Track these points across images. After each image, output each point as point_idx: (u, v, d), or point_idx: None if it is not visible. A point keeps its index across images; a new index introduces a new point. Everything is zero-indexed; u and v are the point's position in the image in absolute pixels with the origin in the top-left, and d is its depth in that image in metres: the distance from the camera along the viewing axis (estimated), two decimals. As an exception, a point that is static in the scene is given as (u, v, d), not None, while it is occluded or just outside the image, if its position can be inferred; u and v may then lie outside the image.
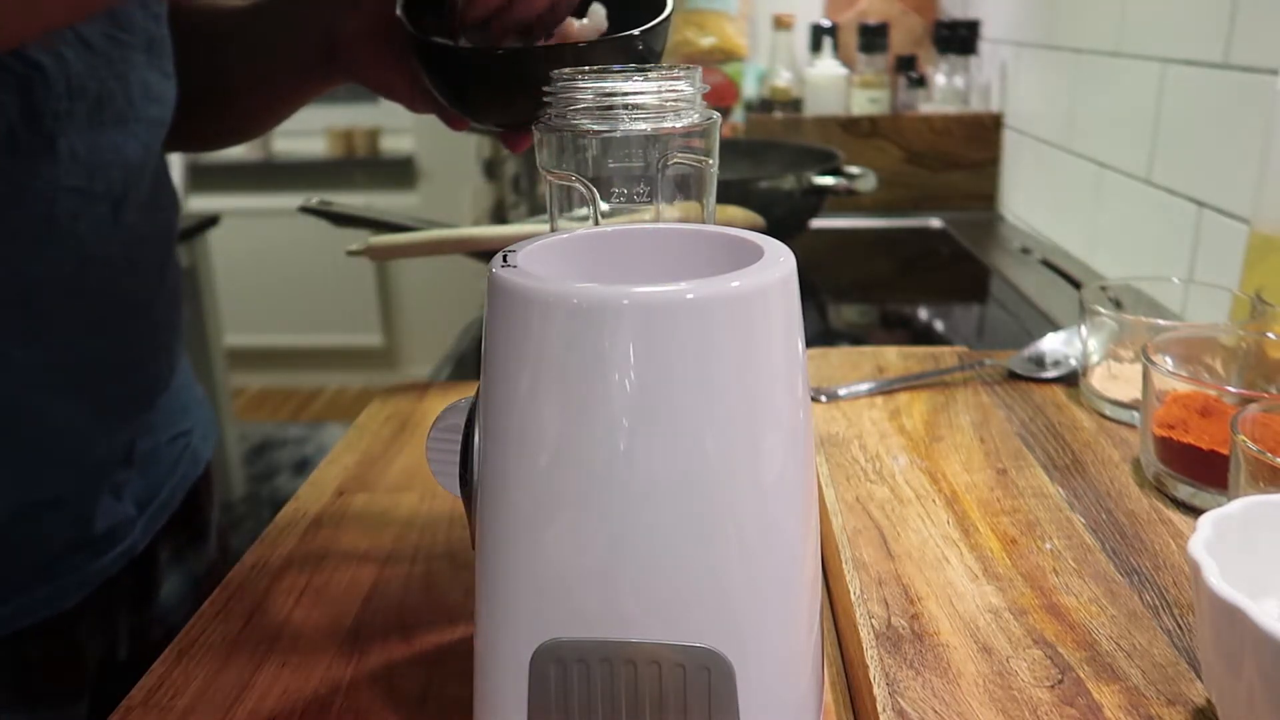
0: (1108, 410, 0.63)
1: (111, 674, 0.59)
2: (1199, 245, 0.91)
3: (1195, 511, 0.51)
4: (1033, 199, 1.38)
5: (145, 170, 0.56)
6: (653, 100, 0.38)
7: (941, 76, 1.57)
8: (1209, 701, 0.37)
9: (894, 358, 0.74)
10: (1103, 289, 0.71)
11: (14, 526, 0.53)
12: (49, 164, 0.49)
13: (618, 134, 0.38)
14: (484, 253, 0.74)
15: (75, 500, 0.55)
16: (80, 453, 0.55)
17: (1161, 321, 0.62)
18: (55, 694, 0.57)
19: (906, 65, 1.61)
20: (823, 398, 0.66)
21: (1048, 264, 1.19)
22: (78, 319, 0.53)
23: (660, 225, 0.39)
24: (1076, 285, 1.08)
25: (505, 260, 0.33)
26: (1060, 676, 0.39)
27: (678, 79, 0.39)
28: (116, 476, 0.58)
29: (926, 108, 1.58)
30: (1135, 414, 0.61)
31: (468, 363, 0.96)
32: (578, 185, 0.40)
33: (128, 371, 0.58)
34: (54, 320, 0.52)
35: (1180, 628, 0.42)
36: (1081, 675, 0.39)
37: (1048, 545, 0.49)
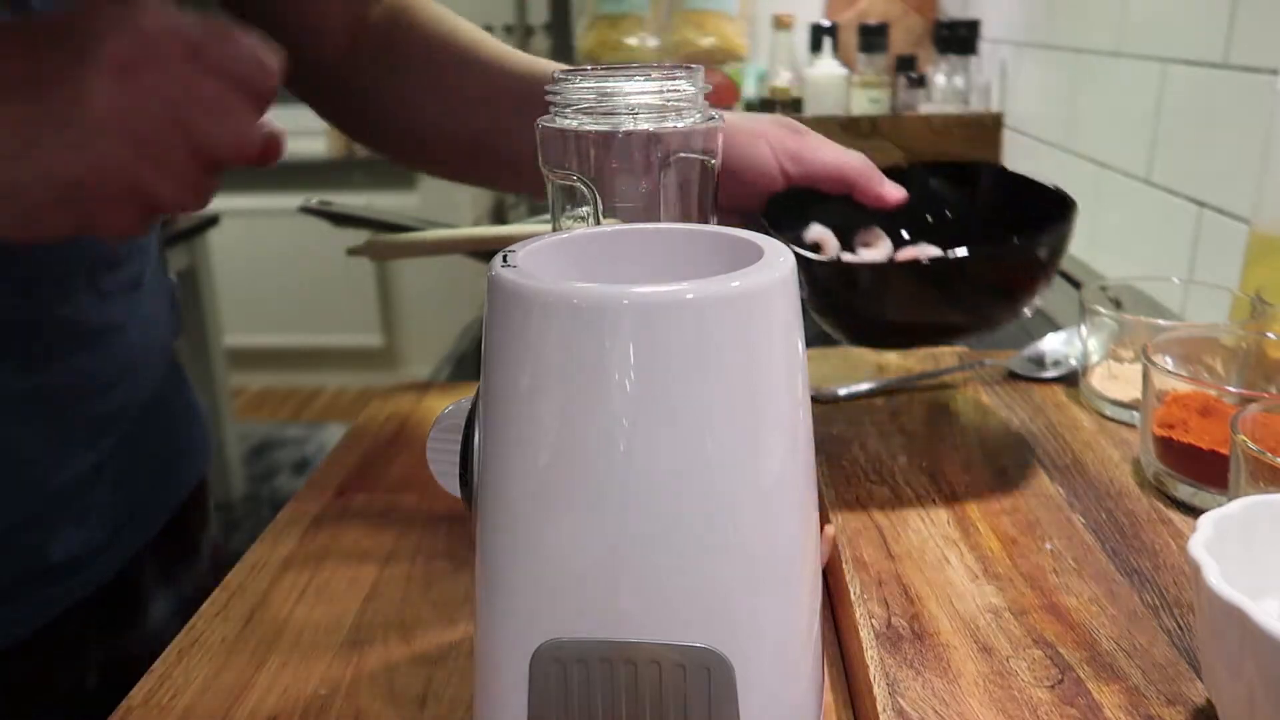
0: (1108, 410, 0.63)
1: (85, 703, 0.57)
2: (1199, 245, 0.91)
3: (1195, 511, 0.51)
4: (1033, 199, 1.38)
5: None
6: (655, 100, 0.38)
7: (941, 76, 1.57)
8: (1209, 701, 0.37)
9: (894, 358, 0.74)
10: (1103, 289, 0.71)
11: None
12: None
13: (620, 134, 0.38)
14: (484, 253, 0.74)
15: (33, 528, 0.53)
16: (39, 479, 0.53)
17: (1161, 321, 0.62)
18: None
19: (906, 65, 1.61)
20: (823, 398, 0.66)
21: (1048, 264, 1.19)
22: (36, 344, 0.51)
23: (660, 225, 0.39)
24: (1076, 285, 1.08)
25: (505, 260, 0.33)
26: (1060, 676, 0.39)
27: (679, 79, 0.39)
28: (82, 501, 0.55)
29: (926, 108, 1.58)
30: (1135, 414, 0.61)
31: (468, 363, 0.96)
32: (579, 185, 0.40)
33: (93, 396, 0.55)
34: (10, 345, 0.50)
35: (1180, 628, 0.42)
36: (1081, 675, 0.39)
37: (1048, 545, 0.49)
